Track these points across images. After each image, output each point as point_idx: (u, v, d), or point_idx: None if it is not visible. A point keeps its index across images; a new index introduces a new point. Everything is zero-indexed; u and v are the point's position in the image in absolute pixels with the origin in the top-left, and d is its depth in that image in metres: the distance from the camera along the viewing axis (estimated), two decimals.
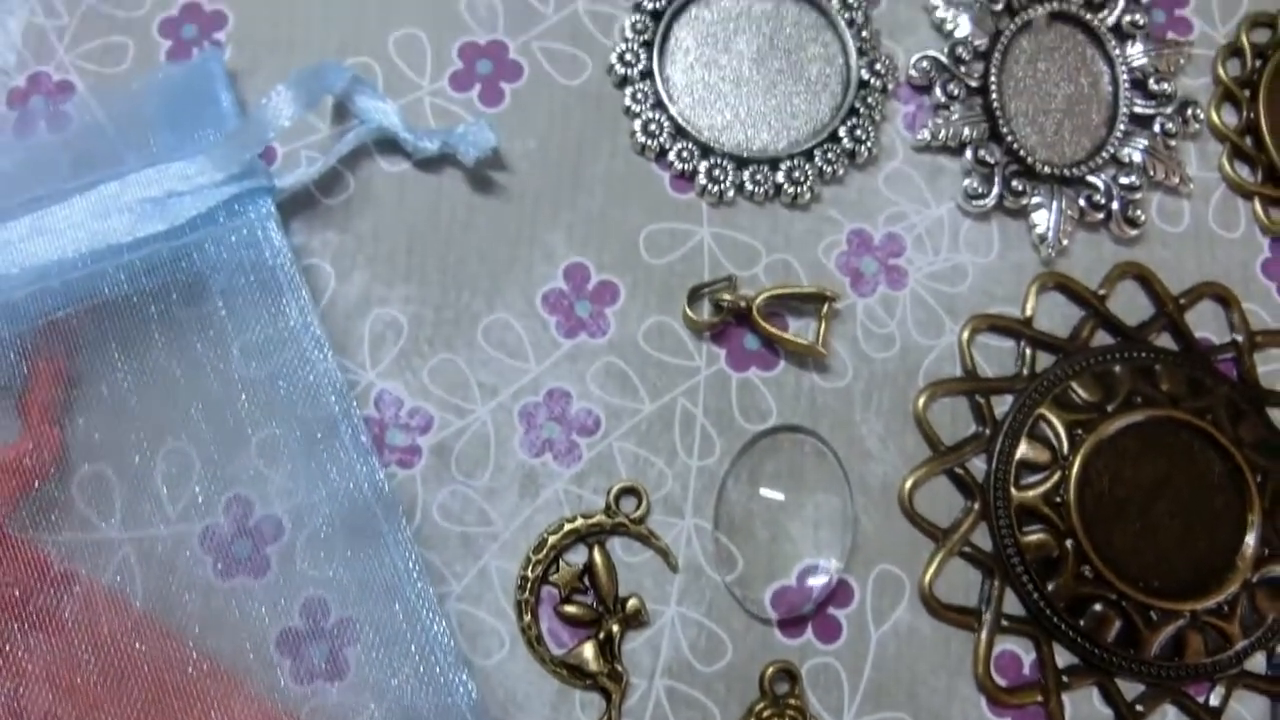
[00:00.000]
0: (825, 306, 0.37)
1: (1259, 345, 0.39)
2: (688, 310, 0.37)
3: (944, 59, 0.41)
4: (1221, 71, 0.42)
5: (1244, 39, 0.42)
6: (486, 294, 0.38)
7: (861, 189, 0.40)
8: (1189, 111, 0.41)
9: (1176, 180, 0.40)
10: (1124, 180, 0.40)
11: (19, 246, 0.34)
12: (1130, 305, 0.40)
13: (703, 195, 0.39)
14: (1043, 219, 0.39)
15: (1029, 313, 0.39)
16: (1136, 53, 0.41)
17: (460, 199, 0.39)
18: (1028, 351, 0.38)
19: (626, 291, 0.38)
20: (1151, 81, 0.41)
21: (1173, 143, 0.41)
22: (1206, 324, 0.39)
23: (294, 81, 0.36)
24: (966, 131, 0.40)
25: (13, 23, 0.40)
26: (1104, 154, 0.40)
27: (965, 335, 0.38)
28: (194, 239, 0.34)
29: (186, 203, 0.34)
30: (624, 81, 0.40)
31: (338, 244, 0.38)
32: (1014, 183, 0.39)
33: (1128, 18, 0.42)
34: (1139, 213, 0.40)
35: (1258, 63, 0.42)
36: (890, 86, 0.40)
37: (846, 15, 0.41)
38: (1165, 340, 0.39)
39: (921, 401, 0.37)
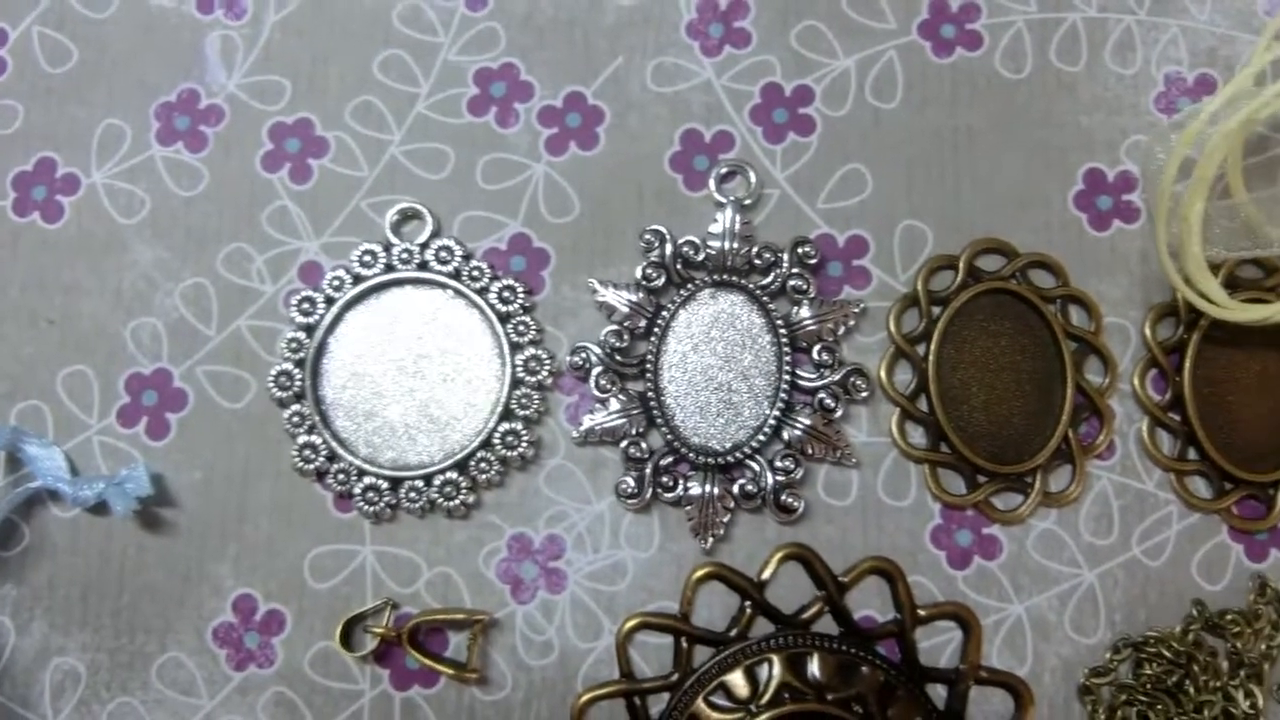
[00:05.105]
0: (474, 628, 0.39)
1: (922, 620, 0.39)
2: (341, 646, 0.39)
3: (598, 350, 0.41)
4: (893, 327, 0.41)
5: (920, 287, 0.41)
6: (159, 634, 0.40)
7: (523, 490, 0.40)
8: (852, 381, 0.40)
9: (839, 456, 0.40)
10: (779, 464, 0.40)
11: None
12: (794, 588, 0.40)
13: (364, 514, 0.40)
14: (697, 509, 0.40)
15: (686, 608, 0.39)
16: (803, 318, 0.41)
17: (130, 539, 0.40)
18: (685, 648, 0.39)
19: (293, 620, 0.40)
20: (815, 351, 0.40)
21: (837, 414, 0.40)
22: (871, 601, 0.40)
23: None
24: (621, 424, 0.40)
25: None
26: (763, 434, 0.40)
27: (621, 637, 0.39)
28: None
29: None
30: (281, 404, 0.41)
31: (15, 597, 0.40)
32: (664, 477, 0.40)
33: (792, 282, 0.41)
34: (793, 500, 0.39)
35: (935, 310, 0.41)
36: (548, 382, 0.41)
37: (503, 309, 0.41)
38: (829, 623, 0.40)
39: (578, 709, 0.39)
